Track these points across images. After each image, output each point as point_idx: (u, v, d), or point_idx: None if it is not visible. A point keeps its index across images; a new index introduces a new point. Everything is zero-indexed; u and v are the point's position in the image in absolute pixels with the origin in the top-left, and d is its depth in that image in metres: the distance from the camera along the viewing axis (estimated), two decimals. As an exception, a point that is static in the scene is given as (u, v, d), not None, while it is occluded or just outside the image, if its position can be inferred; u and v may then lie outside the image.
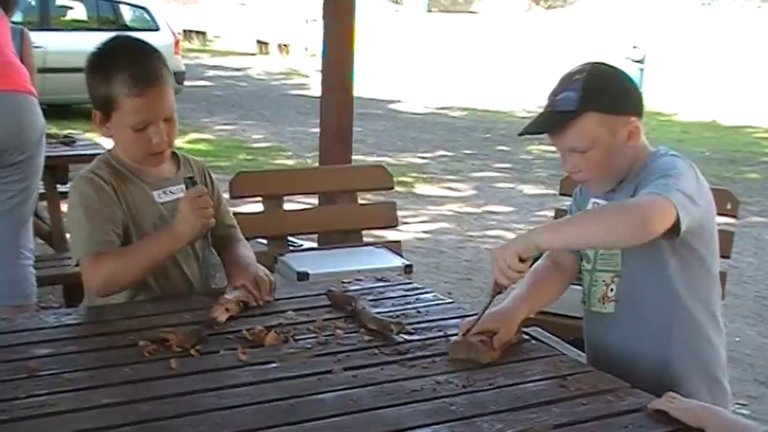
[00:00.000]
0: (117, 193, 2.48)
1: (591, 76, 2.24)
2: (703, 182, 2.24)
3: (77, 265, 2.51)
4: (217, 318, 2.29)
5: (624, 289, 2.28)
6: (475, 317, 2.21)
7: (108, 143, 2.68)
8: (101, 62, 2.50)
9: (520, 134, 2.41)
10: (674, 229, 2.08)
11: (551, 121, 2.27)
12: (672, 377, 2.21)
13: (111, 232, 2.45)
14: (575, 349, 3.10)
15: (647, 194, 2.10)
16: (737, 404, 2.37)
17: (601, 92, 2.23)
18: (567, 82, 2.26)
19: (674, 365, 2.24)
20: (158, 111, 2.46)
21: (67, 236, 3.36)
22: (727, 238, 3.44)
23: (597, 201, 2.35)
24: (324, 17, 5.10)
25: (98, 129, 2.55)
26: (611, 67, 2.34)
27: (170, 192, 2.57)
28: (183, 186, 2.48)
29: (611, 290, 2.30)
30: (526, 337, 2.30)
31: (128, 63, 2.44)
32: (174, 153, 2.64)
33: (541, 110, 2.34)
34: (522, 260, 2.11)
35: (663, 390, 1.95)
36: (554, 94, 2.28)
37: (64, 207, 5.28)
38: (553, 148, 2.34)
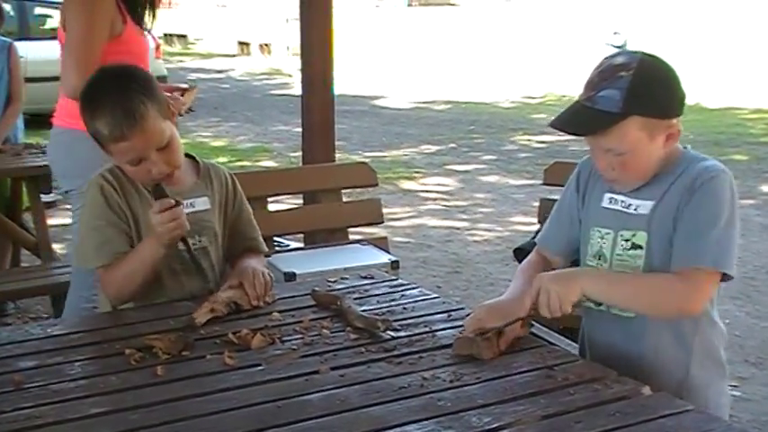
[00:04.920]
0: (125, 202, 2.49)
1: (638, 76, 2.06)
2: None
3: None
4: (196, 319, 2.29)
5: None
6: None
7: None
8: (86, 98, 2.48)
9: (551, 125, 2.19)
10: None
11: (593, 122, 2.10)
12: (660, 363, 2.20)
13: (126, 243, 2.48)
14: (565, 339, 3.11)
15: (696, 270, 2.11)
16: (729, 386, 2.38)
17: (647, 95, 2.07)
18: (610, 77, 2.08)
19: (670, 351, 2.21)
20: (145, 147, 2.41)
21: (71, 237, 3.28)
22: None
23: (614, 196, 2.24)
24: (301, 15, 5.09)
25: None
26: (661, 63, 2.14)
27: (189, 205, 2.51)
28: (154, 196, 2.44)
29: None
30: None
31: (107, 104, 2.40)
32: (195, 160, 2.64)
33: (569, 103, 2.20)
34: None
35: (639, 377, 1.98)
36: (593, 87, 2.10)
37: (49, 218, 5.29)
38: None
